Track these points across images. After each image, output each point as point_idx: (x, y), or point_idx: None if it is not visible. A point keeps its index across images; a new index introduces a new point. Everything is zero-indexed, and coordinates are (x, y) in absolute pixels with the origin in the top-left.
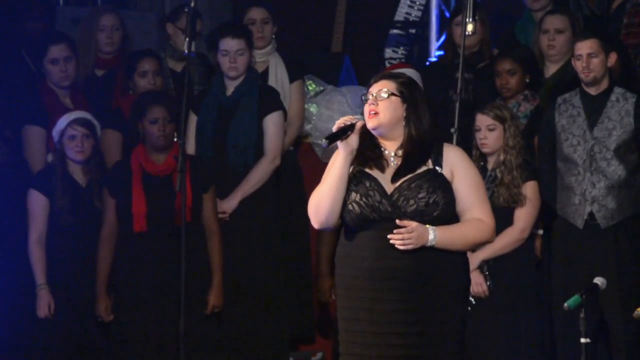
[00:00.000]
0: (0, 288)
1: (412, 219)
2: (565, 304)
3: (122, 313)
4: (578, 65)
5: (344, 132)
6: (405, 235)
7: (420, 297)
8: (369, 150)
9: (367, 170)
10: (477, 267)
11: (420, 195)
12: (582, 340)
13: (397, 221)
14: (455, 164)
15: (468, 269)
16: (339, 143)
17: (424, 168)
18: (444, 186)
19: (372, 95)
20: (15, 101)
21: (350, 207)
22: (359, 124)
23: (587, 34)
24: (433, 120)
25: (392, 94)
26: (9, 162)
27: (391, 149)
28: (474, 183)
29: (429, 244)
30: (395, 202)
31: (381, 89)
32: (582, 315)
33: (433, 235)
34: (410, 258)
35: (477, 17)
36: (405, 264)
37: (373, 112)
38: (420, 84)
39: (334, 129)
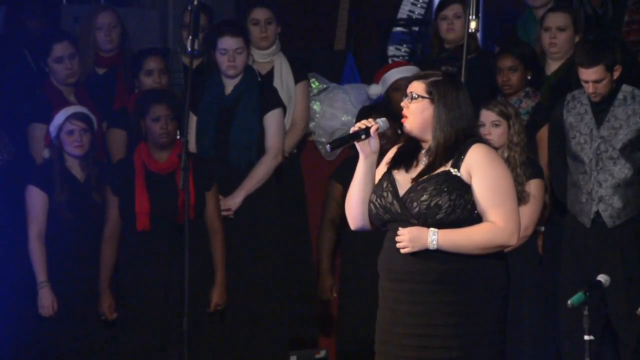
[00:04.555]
0: (2, 286)
1: (418, 220)
2: (569, 302)
3: (126, 311)
4: (585, 87)
5: (353, 138)
6: (399, 238)
7: (434, 299)
8: (406, 150)
9: (394, 170)
10: None
11: (422, 198)
12: (586, 337)
13: (400, 229)
14: (473, 164)
15: (501, 273)
16: (357, 147)
17: (440, 170)
18: (453, 189)
19: (405, 97)
20: (20, 100)
21: (369, 206)
22: (373, 129)
23: (592, 59)
24: (470, 118)
25: (420, 96)
26: (16, 160)
27: (426, 148)
28: (491, 185)
29: (430, 247)
30: (404, 203)
31: (412, 90)
32: (585, 312)
33: (433, 238)
34: (418, 261)
35: (479, 15)
36: (413, 267)
37: (405, 116)
38: None
39: (351, 131)
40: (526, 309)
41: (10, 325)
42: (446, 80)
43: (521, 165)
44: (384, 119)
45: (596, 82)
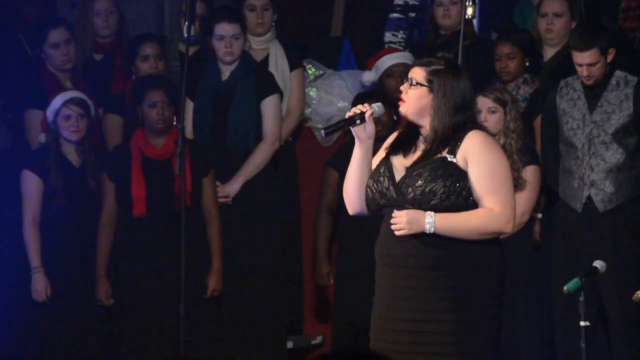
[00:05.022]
0: None
1: (412, 205)
2: (565, 287)
3: (122, 297)
4: (578, 70)
5: (348, 123)
6: (396, 220)
7: (430, 285)
8: (405, 136)
9: (392, 155)
10: None
11: (417, 184)
12: (582, 323)
13: (395, 211)
14: (469, 151)
15: (497, 259)
16: (353, 132)
17: (436, 156)
18: (448, 175)
19: (406, 80)
20: (16, 86)
21: (366, 191)
22: (368, 113)
23: (586, 42)
24: (470, 107)
25: (419, 83)
26: (12, 146)
27: (424, 134)
28: (487, 171)
29: (426, 230)
30: (400, 189)
31: (412, 76)
32: (581, 298)
33: (430, 221)
34: (414, 246)
35: (475, 1)
36: (409, 252)
37: (402, 99)
38: None
39: (346, 116)
40: (522, 295)
41: (4, 310)
42: (448, 70)
43: (517, 152)
44: (379, 103)
45: (590, 65)
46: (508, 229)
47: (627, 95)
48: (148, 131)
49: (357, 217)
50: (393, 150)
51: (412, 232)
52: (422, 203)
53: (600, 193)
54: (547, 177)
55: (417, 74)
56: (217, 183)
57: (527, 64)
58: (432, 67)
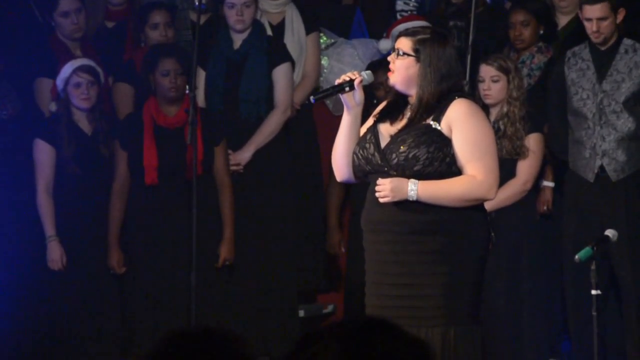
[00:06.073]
0: (10, 241)
1: (396, 171)
2: (577, 256)
3: (134, 265)
4: (588, 27)
5: (337, 90)
6: (380, 188)
7: (414, 249)
8: (393, 104)
9: (379, 123)
10: None
11: (401, 150)
12: (593, 292)
13: (379, 179)
14: (453, 119)
15: (481, 224)
16: (342, 99)
17: (421, 123)
18: (431, 141)
19: (394, 51)
20: (26, 54)
21: (352, 157)
22: (357, 81)
23: None
24: (456, 75)
25: (406, 53)
26: (22, 114)
27: (412, 103)
28: (471, 139)
29: (409, 198)
30: (384, 155)
31: (398, 47)
32: (593, 267)
33: (413, 189)
34: (398, 211)
35: None
36: (394, 218)
37: (391, 70)
38: None
39: (336, 83)
40: (525, 264)
41: (20, 279)
42: (434, 39)
43: (520, 119)
44: (368, 71)
45: (600, 20)
46: (491, 195)
47: (636, 63)
48: (160, 100)
49: (369, 185)
50: (381, 118)
51: (395, 199)
52: (406, 169)
53: (613, 162)
54: (554, 148)
55: (404, 44)
56: (229, 151)
57: (542, 31)
58: (418, 37)
